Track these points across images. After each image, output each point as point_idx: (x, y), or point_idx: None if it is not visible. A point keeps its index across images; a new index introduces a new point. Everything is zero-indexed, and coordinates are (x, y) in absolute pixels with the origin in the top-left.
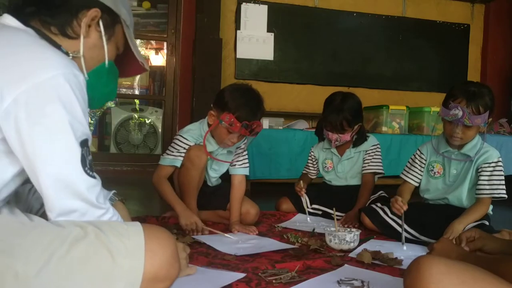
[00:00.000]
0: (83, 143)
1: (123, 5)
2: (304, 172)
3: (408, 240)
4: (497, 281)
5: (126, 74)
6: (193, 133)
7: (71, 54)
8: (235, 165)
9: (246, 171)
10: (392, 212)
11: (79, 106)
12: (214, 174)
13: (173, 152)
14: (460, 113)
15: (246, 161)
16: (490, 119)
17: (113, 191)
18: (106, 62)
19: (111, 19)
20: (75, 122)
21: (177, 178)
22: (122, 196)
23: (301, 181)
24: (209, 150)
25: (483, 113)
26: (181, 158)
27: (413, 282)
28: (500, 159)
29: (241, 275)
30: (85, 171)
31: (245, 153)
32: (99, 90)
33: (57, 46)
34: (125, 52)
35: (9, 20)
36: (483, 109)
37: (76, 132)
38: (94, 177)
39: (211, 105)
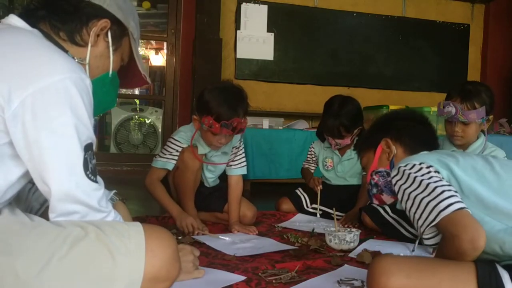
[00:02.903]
0: (87, 147)
1: (132, 18)
2: (305, 166)
3: (408, 240)
4: (440, 260)
5: (127, 85)
6: (185, 135)
7: (77, 60)
8: (231, 165)
9: (243, 171)
10: (393, 211)
11: (85, 110)
12: (210, 175)
13: (165, 154)
14: (453, 110)
15: (243, 160)
16: (491, 116)
17: (114, 191)
18: (110, 72)
19: (119, 31)
20: (81, 126)
21: (172, 181)
22: (122, 196)
23: (318, 177)
24: (203, 152)
25: (478, 108)
26: (174, 161)
27: (369, 278)
28: (506, 158)
29: (242, 278)
30: (87, 176)
31: (241, 152)
32: (100, 98)
33: (65, 51)
34: (128, 64)
35: (15, 20)
36: (479, 106)
37: (81, 136)
38: (96, 181)
39: (195, 111)
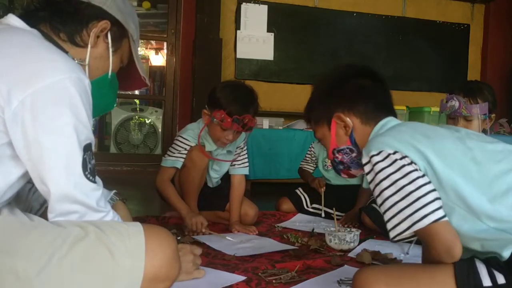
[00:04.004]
0: (87, 148)
1: (132, 20)
2: (304, 168)
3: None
4: (419, 265)
5: (126, 88)
6: (192, 133)
7: (76, 61)
8: (234, 165)
9: (245, 171)
10: None
11: (84, 110)
12: (215, 175)
13: (174, 153)
14: (457, 104)
15: (246, 160)
16: (494, 115)
17: (114, 191)
18: (110, 73)
19: (119, 32)
20: (80, 126)
21: (177, 179)
22: (122, 196)
23: (321, 179)
24: (209, 150)
25: (481, 103)
26: (182, 159)
27: None
28: None
29: (242, 278)
30: (86, 176)
31: (244, 152)
32: (99, 100)
33: (65, 52)
34: (128, 66)
35: (14, 20)
36: (482, 101)
37: (80, 136)
38: (94, 181)
39: (205, 105)
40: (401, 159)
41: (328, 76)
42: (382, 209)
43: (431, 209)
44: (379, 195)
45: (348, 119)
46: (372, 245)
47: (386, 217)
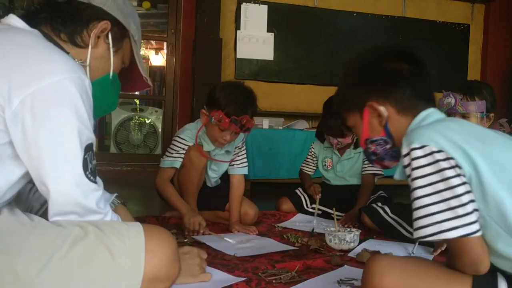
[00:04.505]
0: (88, 148)
1: (133, 20)
2: (304, 170)
3: (408, 240)
4: (437, 265)
5: (128, 89)
6: (190, 133)
7: (77, 62)
8: (233, 165)
9: (244, 171)
10: (392, 212)
11: (85, 110)
12: (213, 175)
13: (172, 153)
14: (453, 101)
15: (245, 160)
16: (492, 115)
17: (115, 194)
18: (111, 73)
19: (120, 32)
20: (81, 126)
21: (177, 179)
22: (123, 198)
23: (318, 186)
24: (207, 150)
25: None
26: (181, 159)
27: (365, 277)
28: None
29: (241, 278)
30: (86, 176)
31: (243, 152)
32: (100, 101)
33: (66, 52)
34: (130, 67)
35: (14, 20)
36: (479, 100)
37: (81, 136)
38: (95, 182)
39: (204, 105)
40: (444, 160)
41: (360, 59)
42: (412, 206)
43: (464, 222)
44: (412, 191)
45: (382, 108)
46: (372, 245)
47: (414, 215)
